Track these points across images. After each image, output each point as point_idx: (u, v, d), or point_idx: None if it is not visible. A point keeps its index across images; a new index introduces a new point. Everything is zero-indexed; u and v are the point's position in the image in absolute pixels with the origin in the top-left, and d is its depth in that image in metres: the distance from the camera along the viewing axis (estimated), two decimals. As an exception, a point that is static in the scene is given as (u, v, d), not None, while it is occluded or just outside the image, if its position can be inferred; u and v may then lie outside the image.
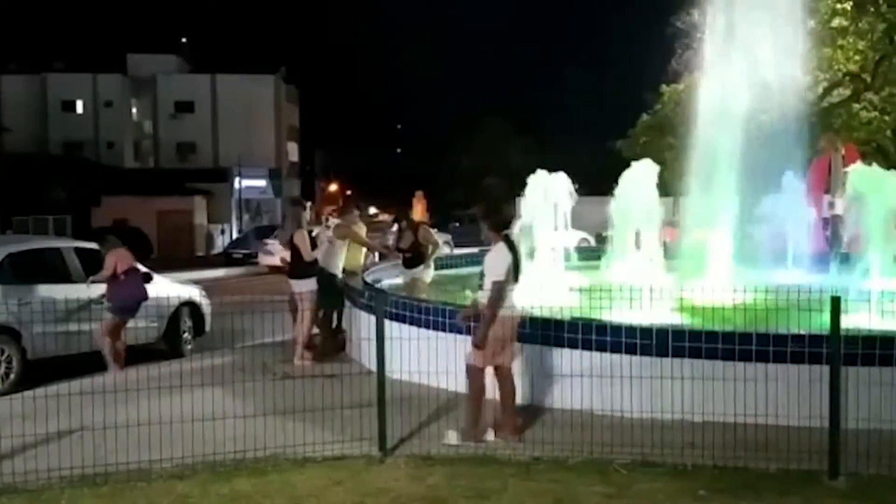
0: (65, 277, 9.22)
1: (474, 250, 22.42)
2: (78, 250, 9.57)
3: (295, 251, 8.98)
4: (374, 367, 7.53)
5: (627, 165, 11.96)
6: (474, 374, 6.05)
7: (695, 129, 12.29)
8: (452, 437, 6.03)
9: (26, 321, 8.48)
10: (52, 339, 8.63)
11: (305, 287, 8.98)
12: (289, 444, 5.92)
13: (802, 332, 6.30)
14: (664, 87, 22.62)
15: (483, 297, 6.04)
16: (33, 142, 50.67)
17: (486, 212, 6.23)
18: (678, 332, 6.48)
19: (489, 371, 6.13)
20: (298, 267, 8.99)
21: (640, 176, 10.70)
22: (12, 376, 8.47)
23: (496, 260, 6.02)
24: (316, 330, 9.68)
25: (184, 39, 63.29)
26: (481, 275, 6.15)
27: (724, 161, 11.56)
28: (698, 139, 12.13)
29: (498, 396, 6.20)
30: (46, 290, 8.80)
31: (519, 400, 6.72)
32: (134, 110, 59.03)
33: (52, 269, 9.20)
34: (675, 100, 19.70)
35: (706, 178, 11.68)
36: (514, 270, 6.04)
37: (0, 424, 6.01)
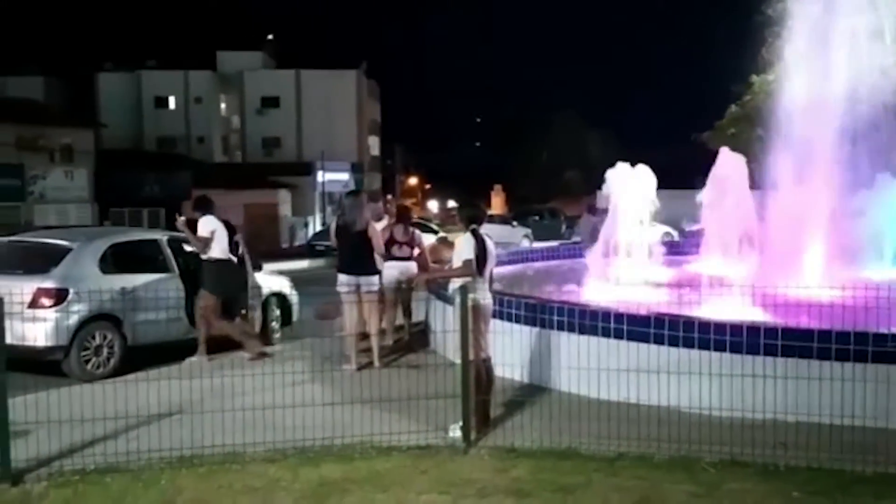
0: (162, 268, 9.60)
1: (554, 244, 22.34)
2: (173, 241, 9.94)
3: (365, 244, 8.37)
4: (456, 359, 7.62)
5: (714, 158, 11.66)
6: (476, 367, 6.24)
7: (786, 120, 11.88)
8: (454, 430, 6.09)
9: (127, 309, 8.89)
10: (150, 327, 9.01)
11: (378, 283, 8.56)
12: (375, 431, 6.05)
13: (904, 331, 6.05)
14: (754, 77, 21.97)
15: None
16: (128, 137, 52.87)
17: (459, 209, 6.87)
18: (771, 330, 6.31)
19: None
20: (370, 261, 8.43)
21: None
22: (113, 361, 8.88)
23: (463, 246, 6.39)
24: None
25: (270, 36, 64.84)
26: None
27: (817, 153, 11.15)
28: (790, 131, 11.71)
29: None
30: (145, 280, 9.18)
31: (605, 395, 6.70)
32: (223, 106, 60.82)
33: (151, 259, 9.58)
34: (766, 90, 19.06)
35: (798, 171, 11.28)
36: (481, 263, 6.33)
37: (103, 407, 6.31)
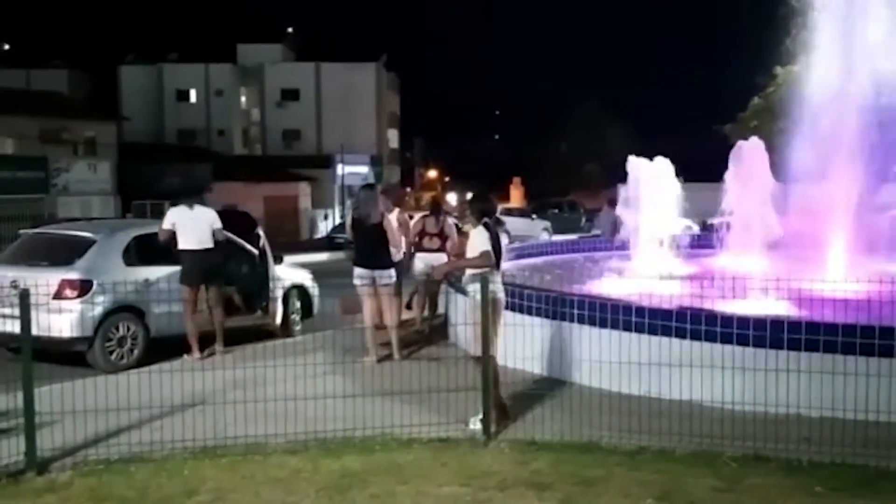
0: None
1: (573, 237, 22.23)
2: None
3: (380, 237, 8.34)
4: (475, 352, 7.62)
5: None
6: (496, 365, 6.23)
7: (810, 111, 11.74)
8: (474, 423, 6.12)
9: (150, 301, 8.97)
10: (172, 319, 9.07)
11: (394, 276, 8.54)
12: (395, 424, 6.07)
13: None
14: (778, 69, 21.75)
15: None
16: (150, 130, 53.29)
17: (471, 202, 6.75)
18: (794, 324, 6.25)
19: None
20: (386, 255, 8.41)
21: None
22: (136, 352, 8.97)
23: (479, 239, 6.36)
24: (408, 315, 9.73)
25: (290, 29, 64.99)
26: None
27: (841, 146, 11.01)
28: (813, 122, 11.57)
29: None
30: (168, 272, 9.22)
31: (626, 389, 6.67)
32: (243, 99, 61.05)
33: (173, 251, 9.63)
34: (789, 81, 18.86)
35: (822, 163, 11.15)
36: (496, 256, 6.34)
37: (127, 397, 6.37)
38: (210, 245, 8.94)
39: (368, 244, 8.42)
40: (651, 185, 11.67)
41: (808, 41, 12.58)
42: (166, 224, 8.96)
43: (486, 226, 6.43)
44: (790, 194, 11.88)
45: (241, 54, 60.10)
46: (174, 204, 9.17)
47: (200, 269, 8.88)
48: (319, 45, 78.37)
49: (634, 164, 11.59)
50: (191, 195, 9.14)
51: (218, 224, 9.04)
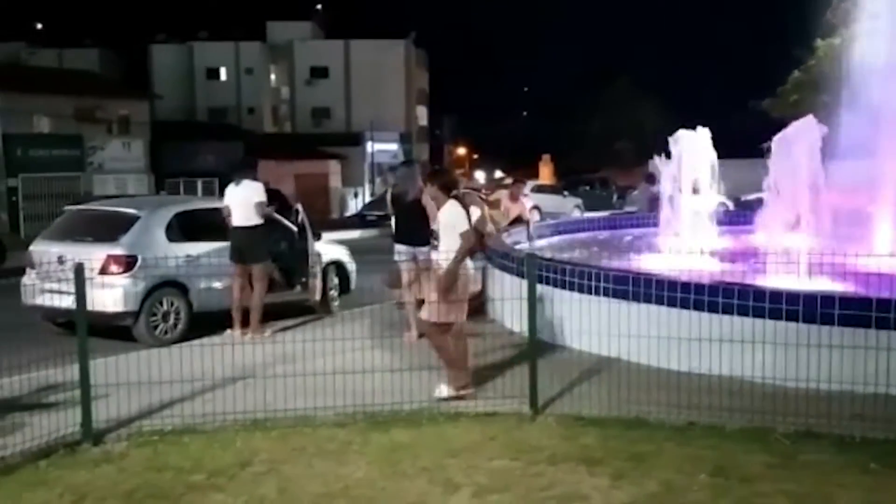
0: (226, 236, 9.72)
1: (605, 213, 22.08)
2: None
3: (420, 214, 8.26)
4: (515, 328, 7.62)
5: (775, 125, 11.36)
6: (430, 331, 6.28)
7: (853, 85, 11.50)
8: (444, 391, 6.22)
9: (192, 276, 9.07)
10: (215, 294, 9.17)
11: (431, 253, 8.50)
12: (441, 397, 6.09)
13: None
14: (819, 42, 21.28)
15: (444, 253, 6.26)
16: (181, 108, 53.64)
17: (430, 178, 6.58)
18: (846, 300, 6.15)
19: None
20: (425, 231, 8.19)
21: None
22: (180, 326, 9.09)
23: (454, 214, 6.22)
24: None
25: (318, 6, 64.88)
26: (433, 234, 6.31)
27: (886, 120, 10.78)
28: (857, 96, 11.34)
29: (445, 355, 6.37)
30: (210, 248, 9.29)
31: (675, 365, 6.63)
32: (272, 76, 61.18)
33: (215, 227, 9.69)
34: (831, 55, 18.43)
35: (865, 138, 10.93)
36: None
37: (180, 370, 6.44)
38: (253, 222, 8.95)
39: (408, 222, 8.44)
40: (691, 160, 11.52)
41: (852, 12, 12.30)
42: (224, 202, 9.17)
43: (456, 198, 6.32)
44: (834, 169, 11.68)
45: (271, 32, 60.16)
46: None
47: (239, 246, 8.94)
48: (348, 22, 77.77)
49: (677, 138, 11.42)
50: (237, 171, 9.20)
51: (257, 199, 8.97)
